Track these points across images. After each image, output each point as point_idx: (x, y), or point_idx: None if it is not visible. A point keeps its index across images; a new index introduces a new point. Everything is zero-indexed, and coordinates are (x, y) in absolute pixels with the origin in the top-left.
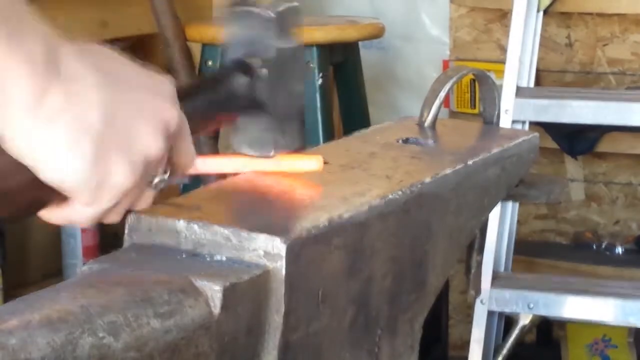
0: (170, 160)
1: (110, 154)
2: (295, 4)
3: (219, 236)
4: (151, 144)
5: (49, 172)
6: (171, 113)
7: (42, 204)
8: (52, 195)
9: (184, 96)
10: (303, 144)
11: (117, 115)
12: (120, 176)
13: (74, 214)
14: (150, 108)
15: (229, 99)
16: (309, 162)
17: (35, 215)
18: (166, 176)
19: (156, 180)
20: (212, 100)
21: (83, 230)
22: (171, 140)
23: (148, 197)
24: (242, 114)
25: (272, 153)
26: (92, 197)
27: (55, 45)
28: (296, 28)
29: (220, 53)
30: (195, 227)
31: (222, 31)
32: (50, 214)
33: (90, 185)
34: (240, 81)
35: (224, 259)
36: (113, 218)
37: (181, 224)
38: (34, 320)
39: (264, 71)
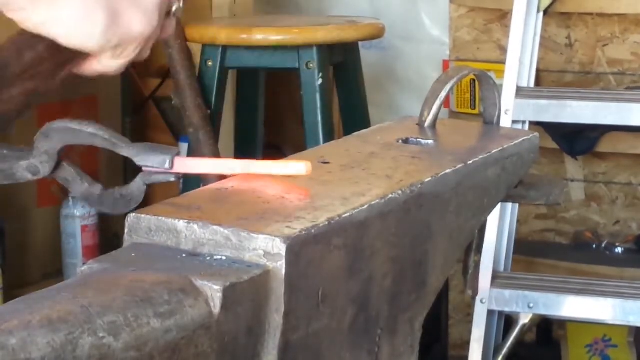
0: None
1: (123, 11)
2: None
3: (219, 236)
4: None
5: (70, 41)
6: None
7: (71, 64)
8: (78, 55)
9: None
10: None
11: None
12: (137, 27)
13: (106, 65)
14: None
15: None
16: (297, 167)
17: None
18: (157, 163)
19: (174, 8)
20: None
21: (83, 230)
22: None
23: (170, 25)
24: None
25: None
26: (117, 53)
27: None
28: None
29: (219, 53)
30: (195, 227)
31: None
32: (82, 68)
33: (111, 44)
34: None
35: (224, 258)
36: (143, 55)
37: (181, 224)
38: (34, 320)
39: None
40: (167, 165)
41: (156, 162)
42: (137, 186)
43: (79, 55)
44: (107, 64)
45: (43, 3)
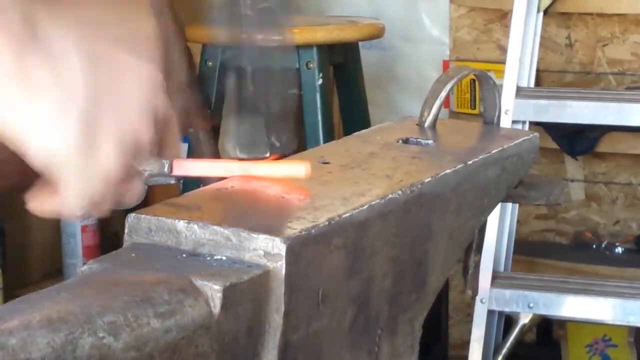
0: (160, 151)
1: (99, 130)
2: (270, 4)
3: (219, 236)
4: (140, 126)
5: (36, 149)
6: (159, 98)
7: (28, 185)
8: (37, 179)
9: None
10: (297, 144)
11: (103, 95)
12: (110, 156)
13: (63, 204)
14: (138, 92)
15: (214, 98)
16: (297, 168)
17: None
18: (156, 168)
19: (146, 171)
20: (197, 96)
21: (83, 230)
22: (158, 129)
23: (139, 189)
24: (229, 114)
25: (266, 155)
26: (80, 180)
27: (36, 20)
28: (281, 28)
29: (219, 53)
30: (195, 227)
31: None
32: (39, 205)
33: (78, 165)
34: (225, 81)
35: (224, 258)
36: (103, 208)
37: (181, 224)
38: (34, 320)
39: (249, 70)
40: (166, 169)
41: (155, 166)
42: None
43: (38, 179)
44: (68, 199)
45: (23, 94)
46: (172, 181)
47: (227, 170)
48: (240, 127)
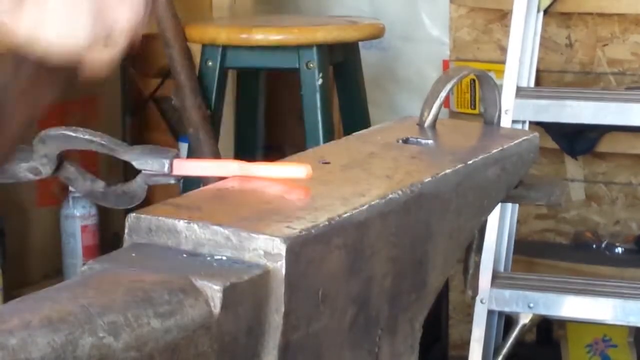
0: None
1: (109, 6)
2: None
3: (219, 236)
4: None
5: (60, 41)
6: None
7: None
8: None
9: None
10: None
11: None
12: (125, 22)
13: (98, 61)
14: None
15: None
16: (297, 170)
17: None
18: (155, 167)
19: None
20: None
21: (83, 230)
22: None
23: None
24: None
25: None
26: (106, 44)
27: None
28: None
29: (220, 52)
30: (195, 227)
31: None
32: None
33: (99, 36)
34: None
35: (224, 258)
36: (134, 41)
37: (181, 224)
38: (34, 320)
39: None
40: (166, 169)
41: (155, 166)
42: (138, 184)
43: (69, 68)
44: (99, 57)
45: (30, 3)
46: (172, 181)
47: (227, 170)
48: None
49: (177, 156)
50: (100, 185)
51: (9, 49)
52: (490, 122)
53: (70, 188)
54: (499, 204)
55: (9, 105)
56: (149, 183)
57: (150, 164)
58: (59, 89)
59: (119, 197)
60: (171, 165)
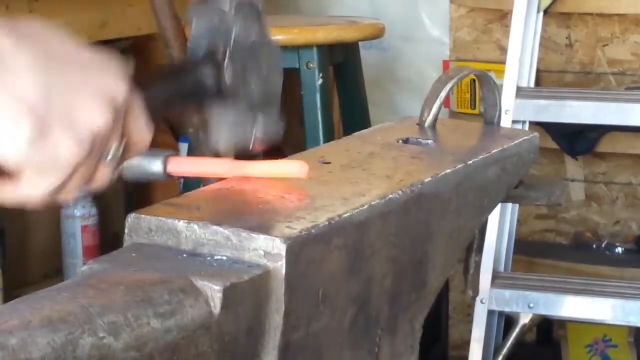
0: (123, 137)
1: (53, 129)
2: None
3: (219, 236)
4: (96, 118)
5: None
6: (117, 88)
7: None
8: None
9: (145, 83)
10: (281, 134)
11: (55, 92)
12: (65, 150)
13: (24, 192)
14: (92, 83)
15: (194, 88)
16: (294, 168)
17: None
18: (120, 151)
19: (109, 155)
20: (176, 88)
21: (83, 230)
22: (120, 115)
23: (104, 173)
24: (210, 104)
25: (250, 145)
26: (38, 174)
27: None
28: (257, 20)
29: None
30: (195, 227)
31: (188, 27)
32: (1, 194)
33: (34, 161)
34: (204, 71)
35: (224, 258)
36: (66, 196)
37: (181, 224)
38: (34, 320)
39: (227, 62)
40: (160, 169)
41: (148, 164)
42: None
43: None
44: (29, 188)
45: None
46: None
47: (223, 169)
48: (221, 120)
49: (173, 155)
50: None
51: None
52: (490, 122)
53: None
54: (499, 204)
55: None
56: (142, 180)
57: (144, 161)
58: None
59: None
60: (165, 165)
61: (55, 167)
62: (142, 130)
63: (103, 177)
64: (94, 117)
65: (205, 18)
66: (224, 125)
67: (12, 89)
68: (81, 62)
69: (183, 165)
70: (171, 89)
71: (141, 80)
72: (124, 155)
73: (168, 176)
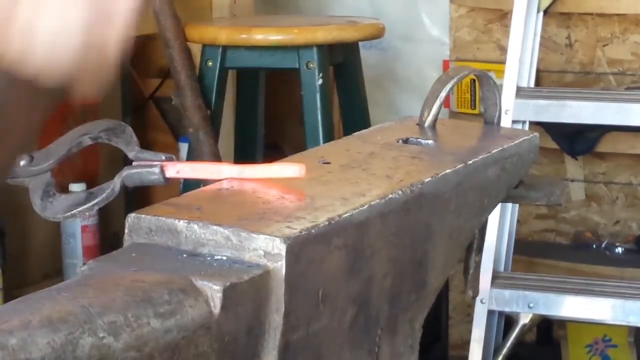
0: None
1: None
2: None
3: (219, 236)
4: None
5: (47, 66)
6: None
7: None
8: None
9: None
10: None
11: None
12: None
13: (89, 82)
14: None
15: None
16: (292, 170)
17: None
18: (145, 174)
19: (138, 173)
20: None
21: (83, 230)
22: None
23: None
24: None
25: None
26: (100, 65)
27: None
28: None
29: (220, 52)
30: (196, 227)
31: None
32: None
33: (91, 58)
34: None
35: (224, 258)
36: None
37: (181, 224)
38: (34, 320)
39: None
40: (157, 176)
41: (145, 173)
42: (114, 183)
43: (62, 89)
44: (91, 80)
45: (21, 22)
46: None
47: (221, 173)
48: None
49: (172, 159)
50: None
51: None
52: (490, 122)
53: (70, 188)
54: (499, 204)
55: (4, 122)
56: (137, 184)
57: (139, 168)
58: (53, 106)
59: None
60: (162, 171)
61: (110, 59)
62: None
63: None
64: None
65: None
66: None
67: None
68: None
69: (181, 170)
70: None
71: None
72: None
73: (167, 180)
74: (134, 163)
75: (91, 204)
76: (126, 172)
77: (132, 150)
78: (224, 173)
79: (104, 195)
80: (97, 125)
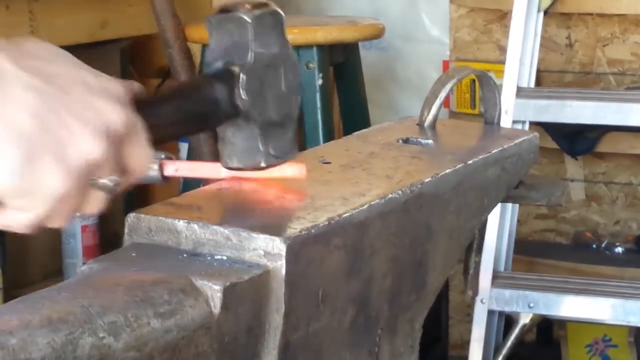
0: (122, 161)
1: (42, 158)
2: (275, 8)
3: (219, 236)
4: (89, 148)
5: None
6: (115, 114)
7: None
8: None
9: (151, 103)
10: (296, 152)
11: (50, 118)
12: (54, 181)
13: (10, 220)
14: (88, 109)
15: (206, 107)
16: (292, 170)
17: None
18: (115, 180)
19: (102, 181)
20: (185, 108)
21: (83, 230)
22: (117, 142)
23: (98, 199)
24: (223, 122)
25: (262, 164)
26: (25, 203)
27: None
28: (280, 33)
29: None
30: (196, 227)
31: (206, 38)
32: None
33: (20, 190)
34: (217, 88)
35: (224, 258)
36: (57, 223)
37: (181, 224)
38: (34, 320)
39: (243, 77)
40: (157, 174)
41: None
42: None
43: None
44: (15, 215)
45: None
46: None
47: (219, 172)
48: (235, 136)
49: (170, 158)
50: None
51: None
52: (490, 122)
53: None
54: (499, 204)
55: None
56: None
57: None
58: None
59: None
60: (161, 169)
61: (42, 196)
62: (142, 156)
63: (96, 204)
64: (87, 146)
65: (224, 29)
66: (237, 143)
67: (5, 113)
68: (81, 86)
69: (180, 169)
70: (180, 109)
71: (147, 100)
72: (121, 181)
73: (166, 179)
74: None
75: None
76: None
77: None
78: (223, 172)
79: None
80: None
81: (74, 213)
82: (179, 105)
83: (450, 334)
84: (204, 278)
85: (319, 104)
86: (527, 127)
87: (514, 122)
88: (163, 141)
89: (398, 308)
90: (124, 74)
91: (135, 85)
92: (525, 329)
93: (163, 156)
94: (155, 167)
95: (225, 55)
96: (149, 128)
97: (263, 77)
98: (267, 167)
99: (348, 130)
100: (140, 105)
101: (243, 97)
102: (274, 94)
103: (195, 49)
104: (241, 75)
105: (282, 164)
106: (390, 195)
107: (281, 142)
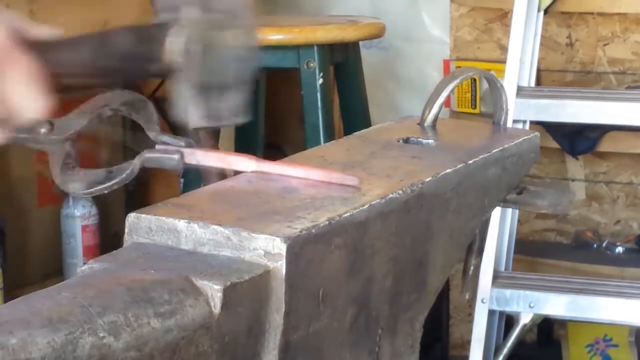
0: (3, 97)
1: None
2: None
3: (220, 236)
4: None
5: None
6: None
7: None
8: None
9: (57, 45)
10: (248, 117)
11: None
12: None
13: None
14: None
15: (121, 59)
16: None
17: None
18: (165, 160)
19: (157, 157)
20: (103, 54)
21: (83, 230)
22: None
23: None
24: (151, 77)
25: (197, 124)
26: None
27: None
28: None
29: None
30: (196, 226)
31: None
32: None
33: None
34: (143, 41)
35: (224, 258)
36: None
37: (181, 224)
38: (34, 320)
39: (180, 34)
40: (177, 163)
41: (165, 159)
42: (133, 164)
43: None
44: None
45: None
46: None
47: (244, 164)
48: (177, 95)
49: (190, 145)
50: (100, 174)
51: None
52: (497, 124)
53: None
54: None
55: None
56: (152, 165)
57: (159, 153)
58: None
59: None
60: (182, 157)
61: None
62: (28, 95)
63: None
64: None
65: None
66: (186, 99)
67: None
68: None
69: (201, 159)
70: (95, 55)
71: (52, 43)
72: (7, 118)
73: (185, 166)
74: (156, 146)
75: (111, 183)
76: (146, 155)
77: (152, 130)
78: (252, 165)
79: (124, 175)
80: (118, 96)
81: None
82: (91, 52)
83: (450, 333)
84: (204, 278)
85: (319, 104)
86: (527, 126)
87: (515, 121)
88: (73, 89)
89: (398, 308)
90: None
91: (22, 18)
92: (526, 329)
93: (184, 143)
94: (177, 155)
95: (173, 8)
96: (52, 72)
97: (206, 36)
98: (223, 124)
99: (348, 130)
100: (44, 47)
101: (174, 54)
102: (218, 54)
103: None
104: (178, 30)
105: (223, 126)
106: (390, 195)
107: (225, 105)
